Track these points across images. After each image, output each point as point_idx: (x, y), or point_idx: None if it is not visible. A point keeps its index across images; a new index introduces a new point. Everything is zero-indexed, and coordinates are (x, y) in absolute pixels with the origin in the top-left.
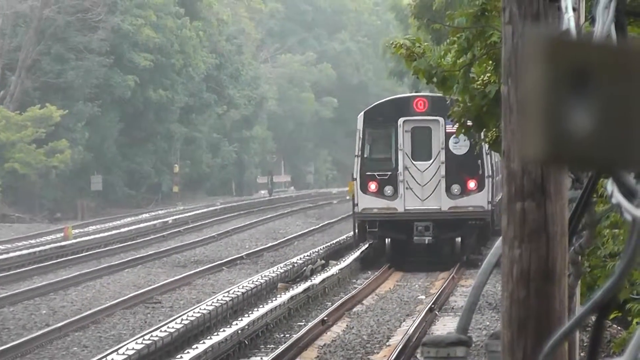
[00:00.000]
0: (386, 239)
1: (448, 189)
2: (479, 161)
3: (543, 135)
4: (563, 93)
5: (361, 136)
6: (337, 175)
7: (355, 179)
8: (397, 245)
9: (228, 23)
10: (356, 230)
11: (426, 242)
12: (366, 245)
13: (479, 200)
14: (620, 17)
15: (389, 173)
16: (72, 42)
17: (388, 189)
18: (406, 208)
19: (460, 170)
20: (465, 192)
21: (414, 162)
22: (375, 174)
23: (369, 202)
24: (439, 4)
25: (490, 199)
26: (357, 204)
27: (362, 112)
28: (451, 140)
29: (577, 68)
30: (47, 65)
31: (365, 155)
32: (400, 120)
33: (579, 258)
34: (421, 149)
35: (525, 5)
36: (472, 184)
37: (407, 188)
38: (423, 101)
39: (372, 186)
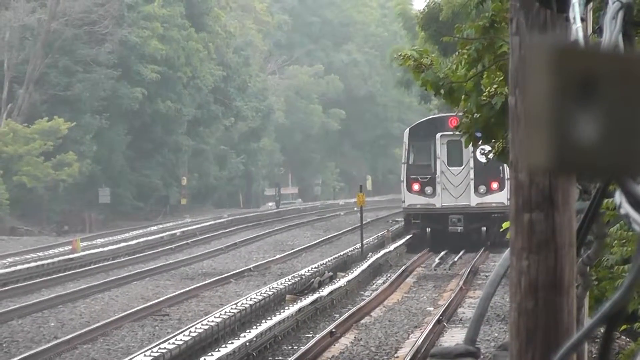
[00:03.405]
0: (427, 229)
1: (476, 189)
2: (500, 167)
3: (550, 145)
4: (570, 102)
5: (407, 147)
6: (345, 186)
7: (402, 181)
8: (435, 233)
9: (235, 35)
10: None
11: (458, 231)
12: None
13: (500, 197)
14: (628, 27)
15: (429, 176)
16: (79, 55)
17: (428, 189)
18: (443, 204)
19: (485, 174)
20: (489, 191)
21: (448, 168)
22: (418, 177)
23: (413, 200)
24: (446, 15)
25: (509, 197)
26: (403, 201)
27: (408, 128)
28: (478, 150)
29: (584, 77)
30: (55, 78)
31: (410, 162)
32: (438, 135)
33: (588, 269)
34: (454, 158)
35: (532, 16)
36: (494, 185)
37: (443, 188)
38: (456, 120)
39: (416, 187)
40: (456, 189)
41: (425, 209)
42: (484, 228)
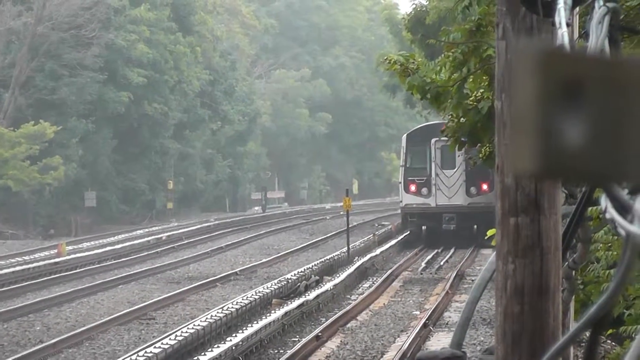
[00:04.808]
0: (422, 227)
1: (467, 190)
2: (490, 169)
3: (535, 149)
4: (555, 107)
5: (405, 151)
6: (331, 190)
7: (400, 182)
8: (430, 230)
9: (222, 39)
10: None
11: (452, 228)
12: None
13: (490, 198)
14: (614, 32)
15: (425, 178)
16: (65, 59)
17: (424, 190)
18: (437, 204)
19: (476, 176)
20: (480, 192)
21: (442, 170)
22: (415, 178)
23: (410, 200)
24: (432, 18)
25: None
26: (401, 201)
27: (406, 134)
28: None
29: (570, 81)
30: (41, 81)
31: (407, 165)
32: (433, 140)
33: (573, 273)
34: (448, 161)
35: (518, 20)
36: (485, 186)
37: (438, 189)
38: None
39: (413, 188)
40: (449, 190)
41: (421, 208)
42: (475, 226)
